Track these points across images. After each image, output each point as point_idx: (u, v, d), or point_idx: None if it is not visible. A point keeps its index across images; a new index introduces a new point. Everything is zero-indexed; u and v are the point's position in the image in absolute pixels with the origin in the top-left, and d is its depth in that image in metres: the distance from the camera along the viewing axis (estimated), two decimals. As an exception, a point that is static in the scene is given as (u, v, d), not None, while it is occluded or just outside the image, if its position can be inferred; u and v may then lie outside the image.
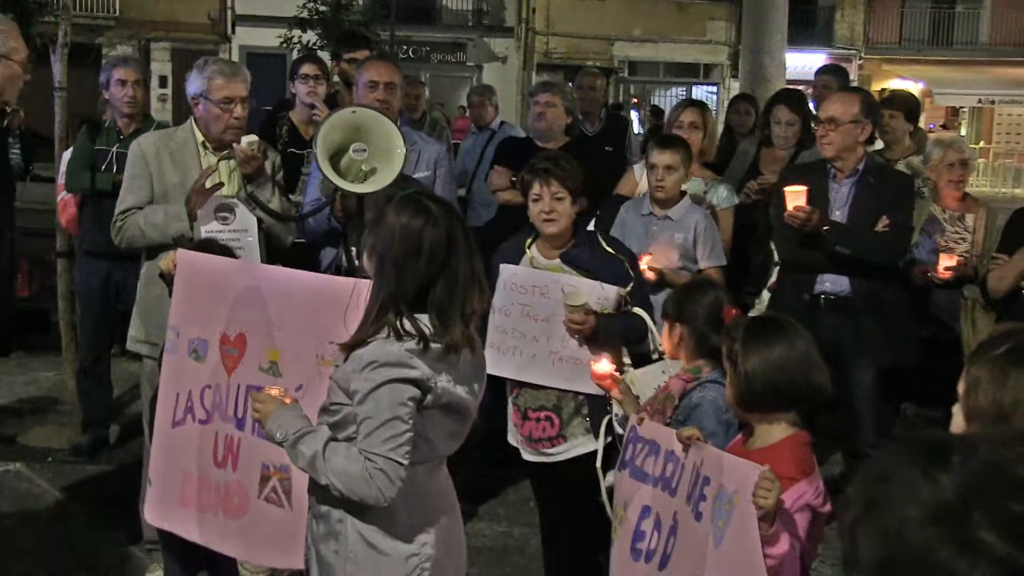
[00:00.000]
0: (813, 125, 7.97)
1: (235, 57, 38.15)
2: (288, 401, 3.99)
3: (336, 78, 8.41)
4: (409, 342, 3.65)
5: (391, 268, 3.73)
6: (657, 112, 29.42)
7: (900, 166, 8.19)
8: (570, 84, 9.89)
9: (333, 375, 3.89)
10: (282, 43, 36.22)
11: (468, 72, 43.71)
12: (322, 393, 3.94)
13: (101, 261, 7.90)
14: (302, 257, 6.43)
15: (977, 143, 43.08)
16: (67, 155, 8.30)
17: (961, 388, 2.93)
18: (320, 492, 3.85)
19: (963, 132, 45.10)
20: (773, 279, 7.51)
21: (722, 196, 7.39)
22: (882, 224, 6.67)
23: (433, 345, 3.67)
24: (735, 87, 23.14)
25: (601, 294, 5.43)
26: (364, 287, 3.88)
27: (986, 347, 2.98)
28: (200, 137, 6.23)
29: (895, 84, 41.06)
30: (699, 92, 42.97)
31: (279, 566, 5.62)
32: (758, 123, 9.43)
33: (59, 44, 8.23)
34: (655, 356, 5.45)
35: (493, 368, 4.70)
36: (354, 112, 5.99)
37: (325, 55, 11.47)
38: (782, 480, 3.64)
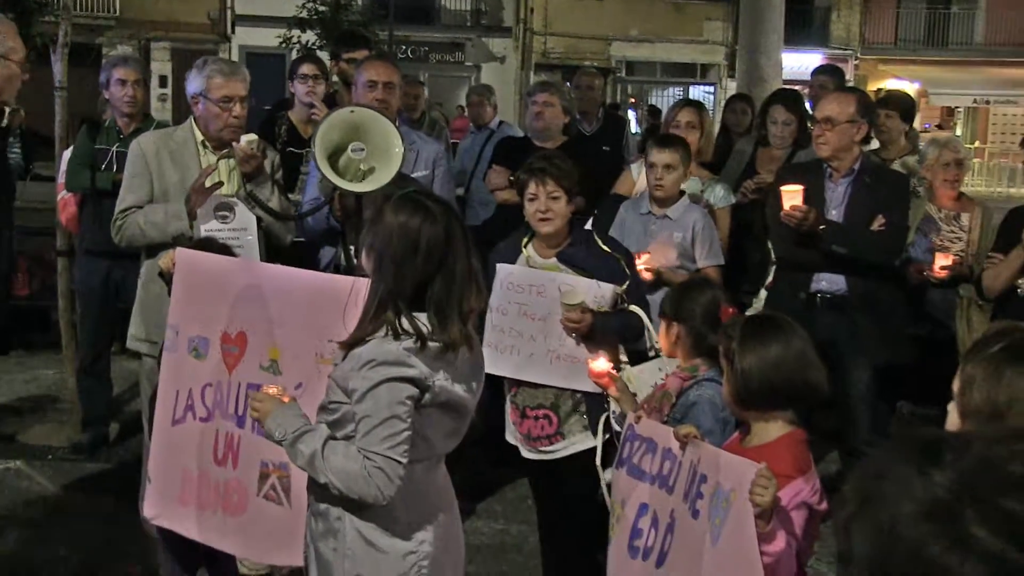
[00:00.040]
0: (809, 125, 7.97)
1: (235, 57, 38.11)
2: (286, 400, 3.99)
3: (335, 78, 8.41)
4: (407, 341, 3.66)
5: (389, 266, 3.73)
6: (654, 112, 29.48)
7: (896, 166, 8.19)
8: (568, 84, 9.90)
9: (332, 373, 3.90)
10: (281, 43, 36.18)
11: (466, 72, 43.64)
12: (321, 391, 3.95)
13: (101, 260, 7.91)
14: (301, 256, 6.44)
15: (972, 143, 43.09)
16: (67, 154, 8.30)
17: (956, 386, 2.96)
18: (319, 490, 3.85)
19: (958, 132, 45.03)
20: (770, 278, 7.52)
21: (719, 195, 7.40)
22: (878, 223, 6.67)
23: (431, 343, 3.68)
24: (732, 87, 23.17)
25: (598, 292, 5.43)
26: (363, 285, 3.89)
27: (981, 345, 3.00)
28: (200, 136, 6.25)
29: (891, 84, 41.08)
30: (696, 92, 42.82)
31: (278, 563, 5.63)
32: (754, 123, 9.45)
33: (59, 44, 8.23)
34: (651, 353, 5.47)
35: (491, 367, 4.71)
36: (352, 112, 6.00)
37: (324, 55, 11.47)
38: (779, 478, 3.65)
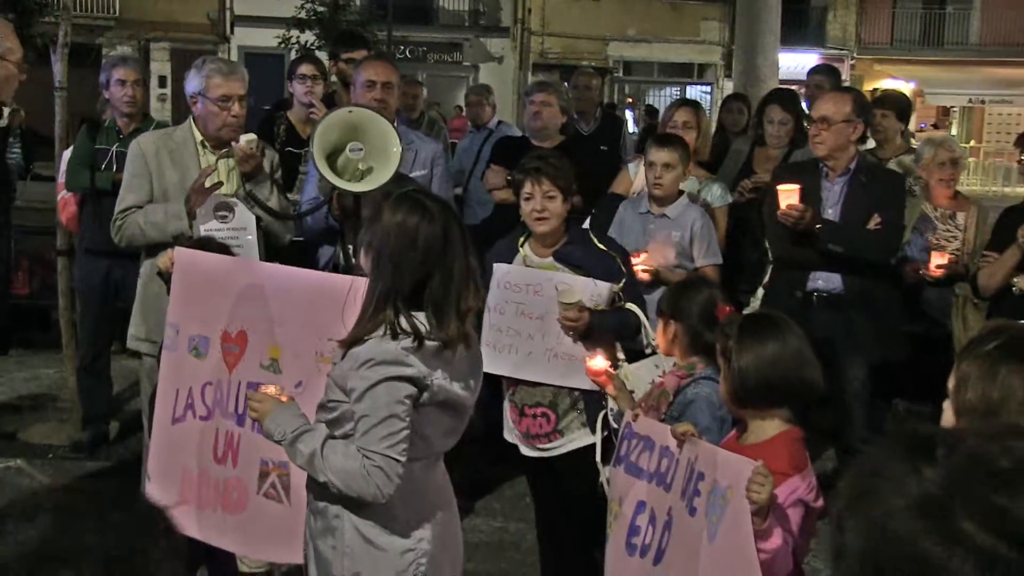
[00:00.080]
0: (806, 124, 7.99)
1: (234, 57, 38.02)
2: (285, 399, 4.00)
3: (334, 78, 8.42)
4: (405, 340, 3.67)
5: (387, 264, 3.75)
6: (652, 111, 29.47)
7: (892, 165, 8.20)
8: (565, 84, 9.90)
9: (330, 372, 3.92)
10: (280, 43, 36.19)
11: (464, 72, 43.61)
12: (321, 390, 3.97)
13: (101, 259, 7.92)
14: (300, 255, 6.46)
15: (968, 142, 43.10)
16: (67, 154, 8.31)
17: (951, 384, 2.97)
18: (318, 488, 3.87)
19: (954, 131, 45.16)
20: (767, 277, 7.53)
21: (716, 195, 7.41)
22: (874, 222, 6.70)
23: (428, 342, 3.69)
24: (729, 87, 23.12)
25: (594, 291, 5.45)
26: (361, 284, 3.91)
27: (976, 343, 3.01)
28: (199, 136, 6.26)
29: (887, 84, 41.01)
30: (693, 92, 42.81)
31: (278, 561, 5.63)
32: (751, 122, 9.46)
33: (59, 44, 8.24)
34: (648, 351, 5.48)
35: (490, 366, 4.72)
36: (350, 112, 6.02)
37: (323, 55, 11.47)
38: (775, 475, 3.66)
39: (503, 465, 7.14)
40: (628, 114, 37.11)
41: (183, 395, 5.19)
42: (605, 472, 4.96)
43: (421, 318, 3.73)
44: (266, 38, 37.86)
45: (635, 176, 7.56)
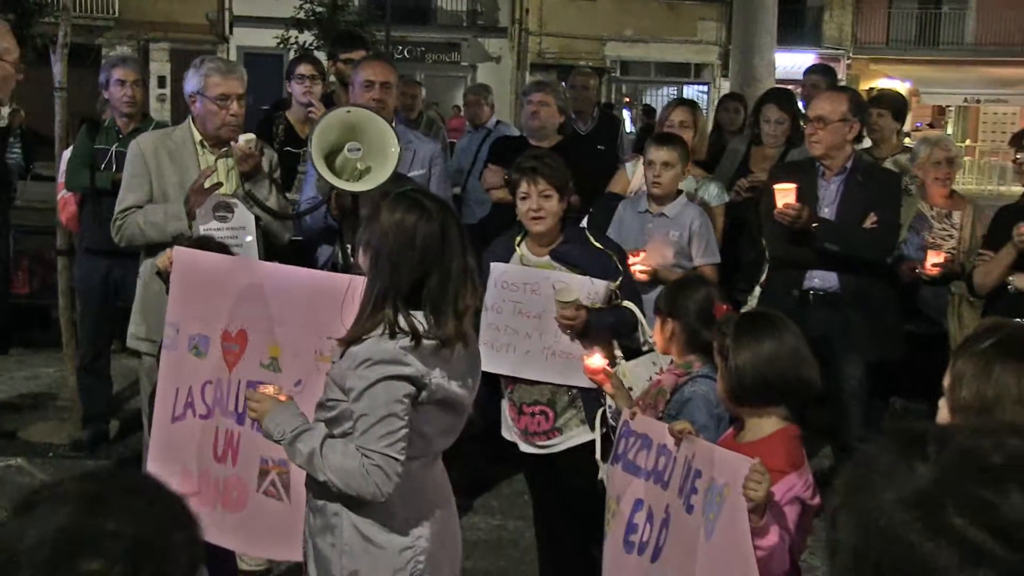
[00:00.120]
0: (802, 124, 8.02)
1: (233, 57, 37.96)
2: (284, 399, 4.01)
3: (332, 78, 8.42)
4: (403, 339, 3.68)
5: (385, 263, 3.75)
6: (649, 111, 29.40)
7: (888, 164, 8.20)
8: (563, 84, 9.90)
9: (329, 371, 3.92)
10: (279, 43, 36.19)
11: (462, 72, 43.62)
12: (320, 388, 3.98)
13: (101, 258, 7.93)
14: (298, 255, 6.47)
15: (963, 141, 43.14)
16: (67, 154, 8.32)
17: (947, 382, 2.97)
18: (317, 486, 3.88)
19: (949, 130, 45.23)
20: (764, 276, 7.55)
21: (713, 194, 7.43)
22: (870, 221, 6.72)
23: (426, 341, 3.70)
24: (725, 86, 23.18)
25: (591, 289, 5.46)
26: (359, 283, 3.91)
27: (971, 341, 3.02)
28: (198, 136, 6.27)
29: (883, 83, 41.14)
30: (690, 91, 42.85)
31: (277, 559, 5.67)
32: (747, 122, 9.48)
33: (59, 45, 8.26)
34: (645, 348, 5.49)
35: (488, 365, 4.72)
36: (349, 112, 6.03)
37: (321, 55, 11.48)
38: (772, 473, 3.66)
39: (502, 463, 7.16)
40: (625, 114, 37.02)
41: (183, 394, 5.20)
42: (604, 469, 4.97)
43: (419, 317, 3.74)
44: (265, 38, 37.89)
45: (632, 175, 7.58)
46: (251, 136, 6.16)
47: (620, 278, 5.57)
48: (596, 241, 5.71)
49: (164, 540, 1.92)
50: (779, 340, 4.04)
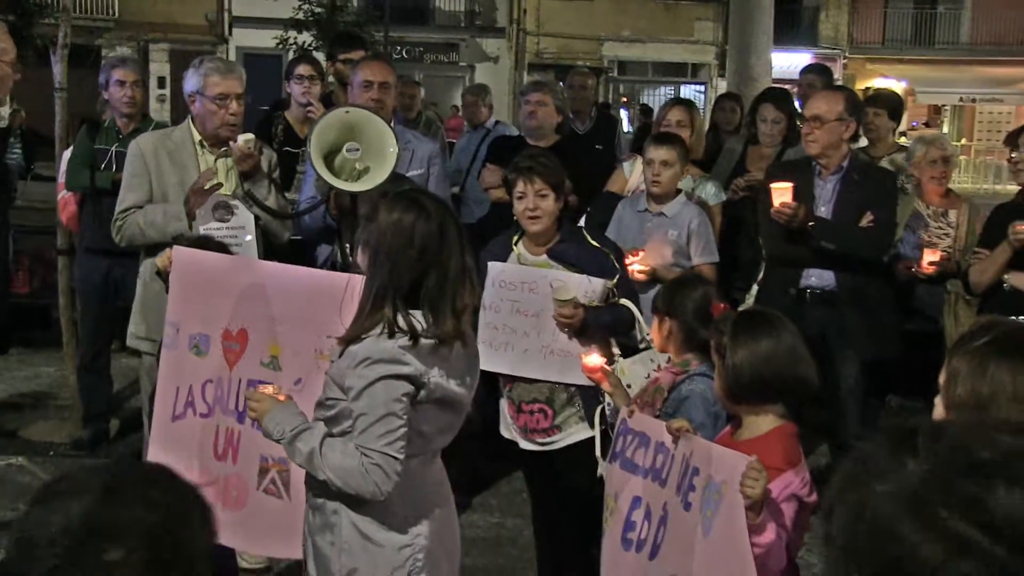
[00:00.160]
0: (798, 123, 8.03)
1: (232, 58, 37.90)
2: (283, 398, 4.03)
3: (331, 78, 8.43)
4: (402, 338, 3.69)
5: (384, 262, 3.76)
6: (646, 111, 29.43)
7: (884, 163, 8.21)
8: (561, 83, 9.92)
9: (328, 370, 3.93)
10: (278, 44, 36.22)
11: (461, 72, 43.64)
12: (320, 387, 3.99)
13: (101, 258, 7.93)
14: (298, 254, 6.49)
15: (959, 140, 43.33)
16: (67, 154, 8.33)
17: (942, 379, 2.99)
18: (316, 485, 3.90)
19: (945, 130, 45.32)
20: (762, 275, 7.56)
21: (710, 193, 7.43)
22: (866, 220, 6.73)
23: (424, 340, 3.71)
24: (722, 86, 23.18)
25: (588, 287, 5.47)
26: (358, 282, 3.92)
27: (966, 339, 3.02)
28: (197, 136, 6.29)
29: (879, 83, 41.16)
30: (687, 91, 42.91)
31: (277, 556, 5.68)
32: (744, 121, 9.48)
33: (59, 45, 8.26)
34: (642, 346, 5.51)
35: (487, 364, 4.72)
36: (347, 112, 6.04)
37: (320, 56, 11.50)
38: (769, 471, 3.68)
39: (500, 461, 7.18)
40: (623, 113, 37.07)
41: (183, 393, 5.21)
42: (603, 466, 4.98)
43: (418, 316, 3.75)
44: (264, 39, 37.92)
45: (630, 175, 7.59)
46: (250, 136, 6.18)
47: (617, 276, 5.58)
48: (593, 240, 5.72)
49: (180, 528, 1.96)
50: (776, 338, 4.06)
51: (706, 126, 9.60)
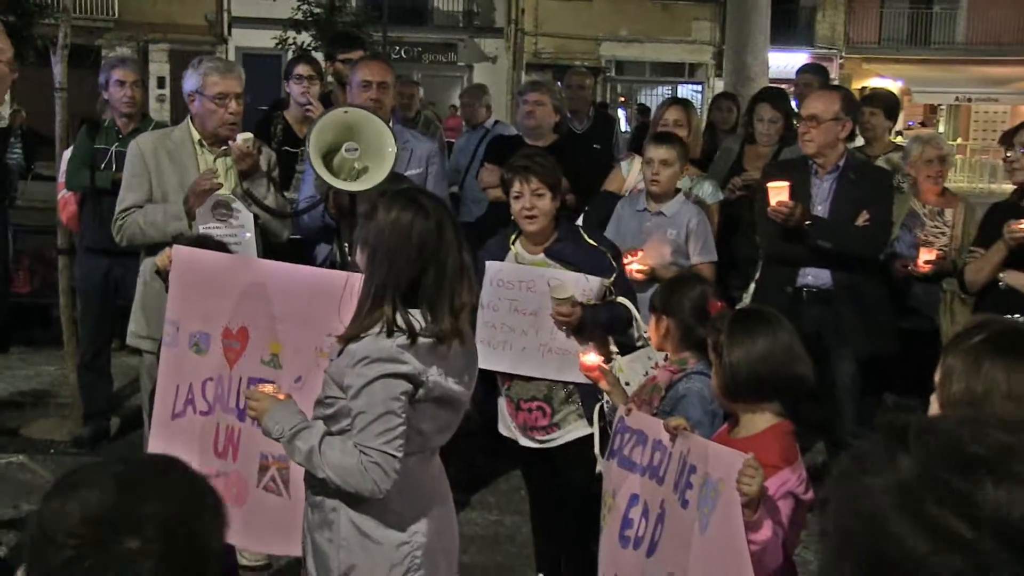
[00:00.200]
0: (795, 122, 8.04)
1: (231, 58, 37.81)
2: (283, 397, 4.04)
3: (330, 78, 8.45)
4: (400, 337, 3.70)
5: (383, 260, 3.78)
6: (644, 110, 29.46)
7: (880, 162, 8.23)
8: (559, 83, 9.95)
9: (327, 369, 3.95)
10: (277, 44, 36.14)
11: (459, 72, 43.61)
12: (319, 385, 4.01)
13: (101, 257, 7.96)
14: (297, 253, 6.51)
15: (955, 139, 43.36)
16: (67, 154, 8.34)
17: (937, 377, 3.01)
18: (315, 482, 3.91)
19: (941, 129, 45.32)
20: (758, 273, 7.58)
21: (707, 192, 7.44)
22: (862, 219, 6.74)
23: (422, 339, 3.73)
24: (719, 86, 23.15)
25: (586, 286, 5.48)
26: (356, 280, 3.93)
27: (961, 337, 3.04)
28: (197, 136, 6.31)
29: (875, 82, 41.13)
30: (684, 91, 42.85)
31: (277, 553, 5.68)
32: (741, 120, 9.49)
33: (59, 46, 8.25)
34: (639, 343, 5.53)
35: (485, 363, 4.72)
36: (346, 112, 6.05)
37: (319, 56, 11.51)
38: (766, 468, 3.70)
39: (499, 459, 7.18)
40: (620, 113, 37.12)
41: (183, 391, 5.23)
42: (602, 463, 5.00)
43: (416, 314, 3.76)
44: (263, 39, 37.86)
45: (627, 174, 7.60)
46: (249, 135, 6.20)
47: (614, 275, 5.60)
48: (590, 239, 5.73)
49: (195, 519, 2.01)
50: (773, 337, 4.07)
51: (703, 126, 9.62)
